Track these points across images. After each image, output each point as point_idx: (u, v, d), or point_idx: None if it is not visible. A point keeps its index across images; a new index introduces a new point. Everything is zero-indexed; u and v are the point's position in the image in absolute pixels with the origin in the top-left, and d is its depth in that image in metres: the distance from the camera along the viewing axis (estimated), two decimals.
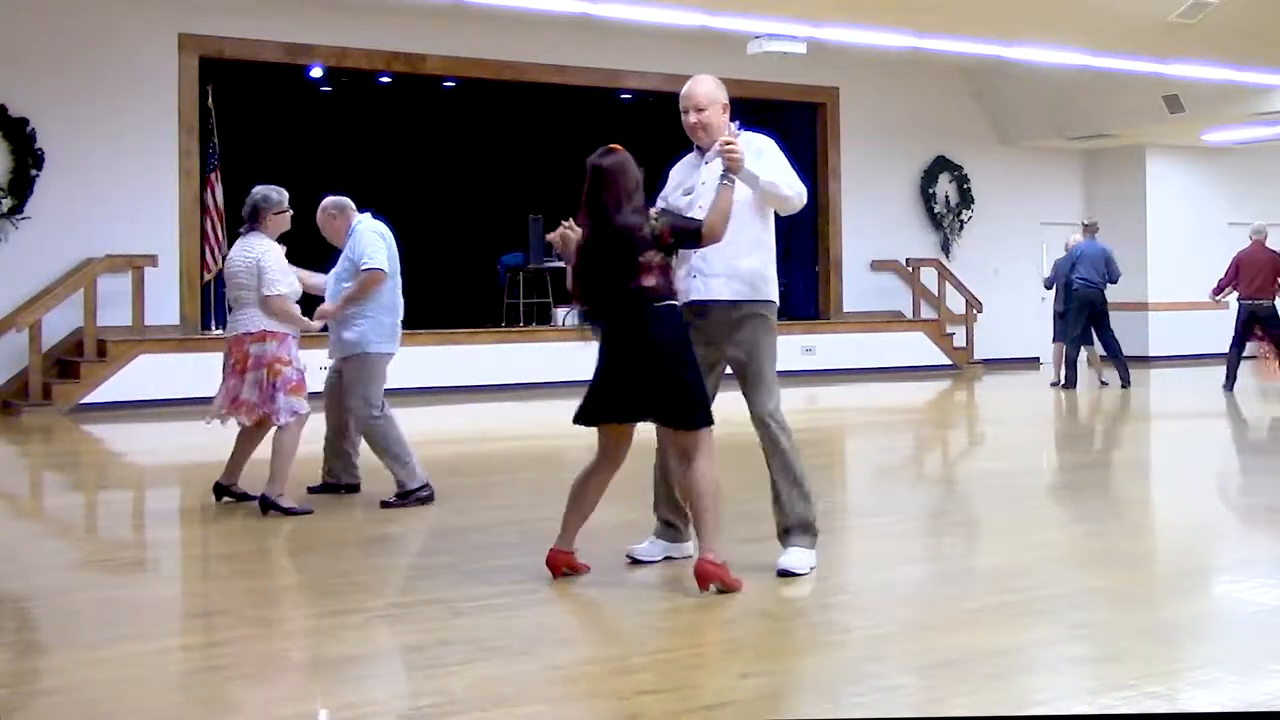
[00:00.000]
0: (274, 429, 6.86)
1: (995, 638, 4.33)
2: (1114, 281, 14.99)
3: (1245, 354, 14.55)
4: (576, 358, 16.24)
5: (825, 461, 9.39)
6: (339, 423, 7.31)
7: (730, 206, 4.97)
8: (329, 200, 7.31)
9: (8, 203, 13.19)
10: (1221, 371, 14.42)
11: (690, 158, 5.43)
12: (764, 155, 5.18)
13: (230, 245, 14.53)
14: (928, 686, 3.84)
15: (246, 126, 15.01)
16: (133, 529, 7.28)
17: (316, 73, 15.40)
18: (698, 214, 5.11)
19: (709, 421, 4.96)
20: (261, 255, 6.83)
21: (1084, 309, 14.78)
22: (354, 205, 7.30)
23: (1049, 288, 15.59)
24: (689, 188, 5.30)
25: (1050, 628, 4.48)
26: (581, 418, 5.13)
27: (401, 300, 7.28)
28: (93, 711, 3.70)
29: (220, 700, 3.78)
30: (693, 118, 5.28)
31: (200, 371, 13.09)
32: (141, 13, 13.84)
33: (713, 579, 4.79)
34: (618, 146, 5.10)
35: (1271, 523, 6.91)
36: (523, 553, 5.81)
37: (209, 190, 14.14)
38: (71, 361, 13.18)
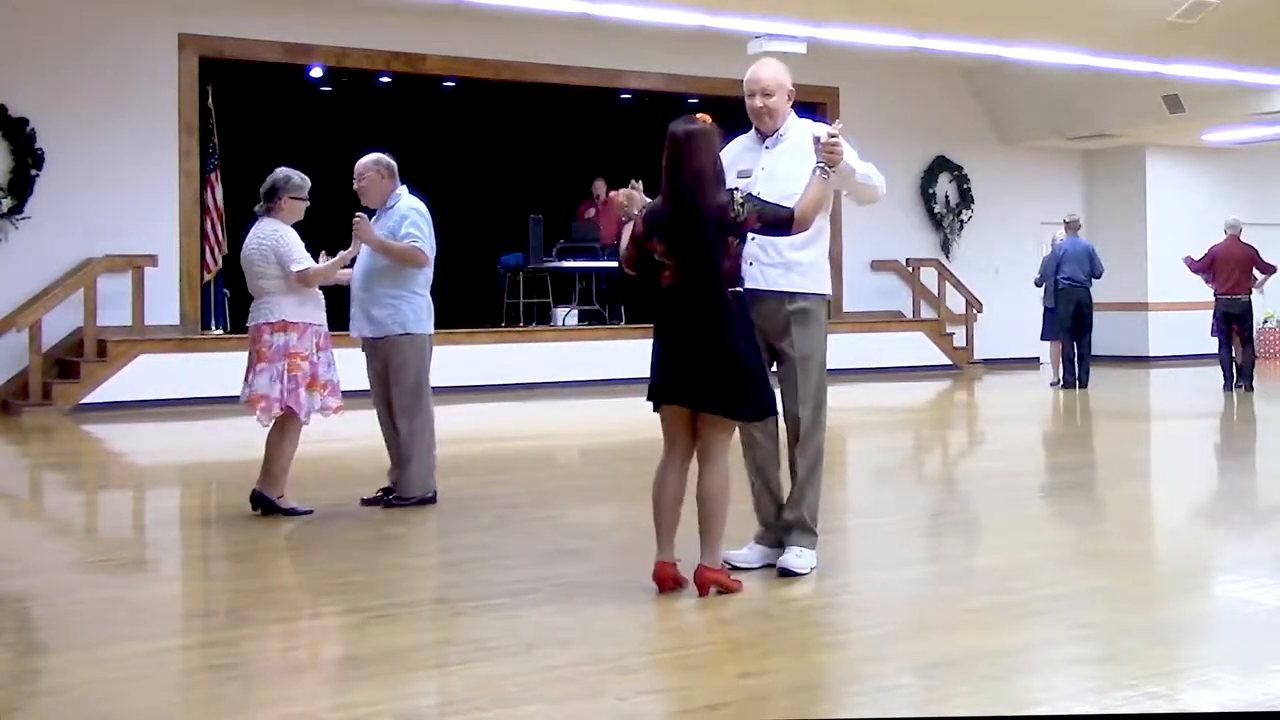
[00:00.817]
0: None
1: (995, 638, 4.33)
2: (1097, 277, 15.03)
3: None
4: (576, 358, 16.27)
5: (825, 461, 9.37)
6: (390, 418, 6.92)
7: (823, 195, 4.93)
8: (382, 159, 6.98)
9: (8, 203, 13.19)
10: (1218, 372, 14.46)
11: (747, 140, 5.33)
12: (847, 150, 5.16)
13: (229, 245, 14.56)
14: (928, 686, 3.84)
15: (246, 126, 15.01)
16: (133, 529, 7.28)
17: (316, 73, 15.40)
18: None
19: (765, 415, 4.89)
20: (276, 239, 6.63)
21: (1070, 307, 14.85)
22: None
23: (1040, 286, 15.60)
24: (745, 170, 5.20)
25: (1050, 628, 4.47)
26: (651, 397, 4.96)
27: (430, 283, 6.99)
28: (93, 711, 3.70)
29: (220, 700, 3.78)
30: (759, 102, 5.21)
31: (200, 371, 13.12)
32: (141, 13, 13.84)
33: (713, 584, 4.76)
34: (706, 116, 4.87)
35: (1271, 523, 6.91)
36: (523, 553, 5.81)
37: (209, 190, 14.14)
38: (71, 361, 13.17)
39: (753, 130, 5.30)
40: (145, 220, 13.79)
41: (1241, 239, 14.56)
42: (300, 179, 6.85)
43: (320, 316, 6.77)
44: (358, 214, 6.73)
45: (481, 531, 6.38)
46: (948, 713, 3.58)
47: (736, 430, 4.99)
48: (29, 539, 6.84)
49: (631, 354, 15.66)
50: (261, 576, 5.51)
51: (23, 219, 13.26)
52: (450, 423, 12.61)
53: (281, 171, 6.87)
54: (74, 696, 3.82)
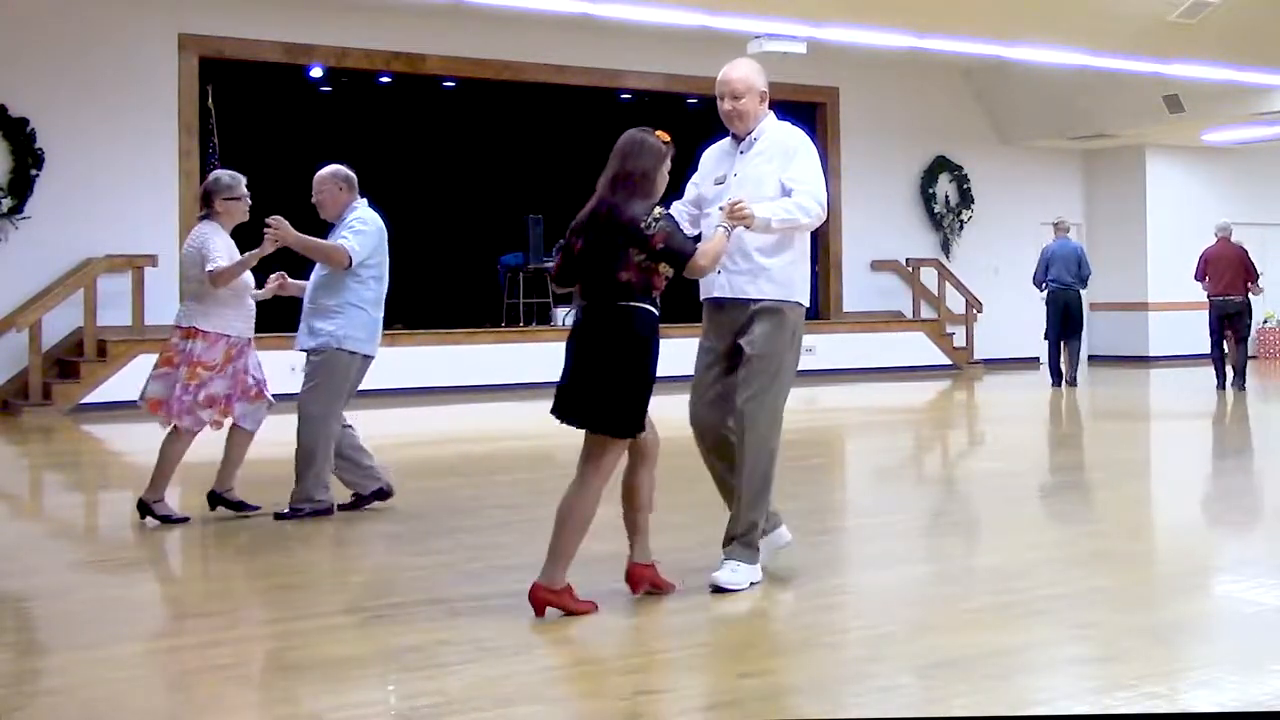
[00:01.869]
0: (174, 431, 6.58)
1: (995, 638, 4.32)
2: (1084, 280, 15.06)
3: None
4: None
5: (825, 461, 9.38)
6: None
7: (722, 252, 4.76)
8: (339, 170, 6.82)
9: (8, 203, 13.19)
10: (1217, 374, 14.48)
11: (725, 144, 5.20)
12: (795, 157, 5.00)
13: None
14: (928, 686, 3.84)
15: (246, 126, 15.01)
16: (133, 529, 7.27)
17: (316, 73, 15.41)
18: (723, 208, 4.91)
19: (626, 434, 4.66)
20: (203, 240, 6.46)
21: (1058, 308, 14.90)
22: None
23: (1038, 285, 15.63)
24: (720, 177, 5.11)
25: (1050, 628, 4.47)
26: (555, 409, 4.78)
27: (382, 304, 6.78)
28: (93, 711, 3.70)
29: (220, 700, 3.78)
30: (728, 105, 5.05)
31: None
32: (141, 13, 13.84)
33: (546, 604, 4.55)
34: (666, 135, 4.76)
35: (1271, 523, 6.91)
36: (523, 553, 5.80)
37: None
38: (71, 361, 13.18)
39: (730, 135, 5.17)
40: (145, 220, 13.79)
41: (1232, 240, 14.58)
42: (231, 179, 6.66)
43: (239, 328, 6.58)
44: (274, 216, 6.51)
45: (481, 531, 6.38)
46: (948, 713, 3.57)
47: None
48: (29, 539, 6.84)
49: None
50: (261, 576, 5.51)
51: (23, 219, 13.27)
52: (450, 423, 12.64)
53: (213, 174, 6.77)
54: (74, 696, 3.82)
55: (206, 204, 6.64)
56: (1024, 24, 14.19)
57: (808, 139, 5.12)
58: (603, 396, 4.60)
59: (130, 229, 13.64)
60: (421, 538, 6.30)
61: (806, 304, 5.14)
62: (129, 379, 12.91)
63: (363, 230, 6.65)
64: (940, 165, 19.08)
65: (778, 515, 5.23)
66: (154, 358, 13.60)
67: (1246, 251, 14.56)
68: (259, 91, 15.44)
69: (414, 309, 14.64)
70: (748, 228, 4.80)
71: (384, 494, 6.88)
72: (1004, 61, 16.55)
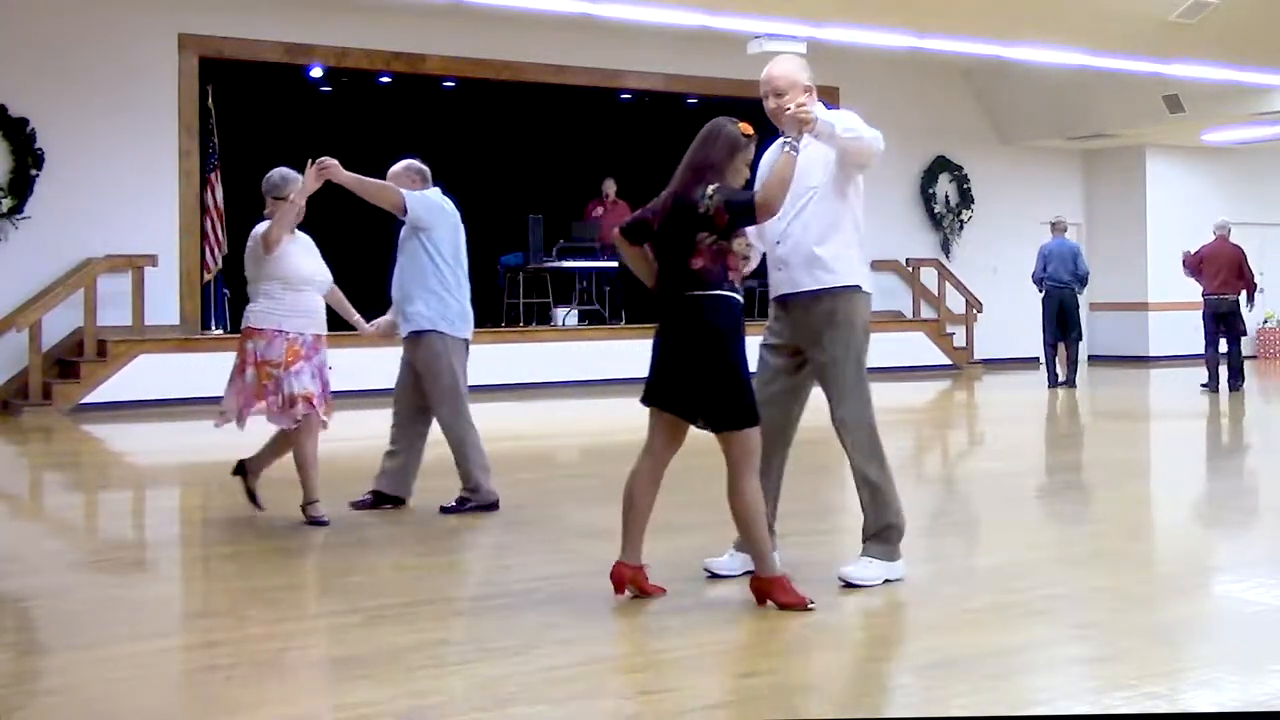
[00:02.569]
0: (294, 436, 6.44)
1: (995, 638, 4.32)
2: (1081, 280, 15.05)
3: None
4: (576, 358, 16.25)
5: (825, 462, 9.37)
6: (408, 419, 6.86)
7: (790, 174, 4.62)
8: (416, 164, 6.96)
9: (8, 203, 13.19)
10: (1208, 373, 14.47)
11: (779, 142, 5.09)
12: (843, 116, 4.97)
13: (229, 245, 14.56)
14: (928, 686, 3.84)
15: (246, 126, 15.01)
16: (133, 529, 7.28)
17: (316, 73, 15.40)
18: (809, 206, 4.93)
19: (746, 424, 4.63)
20: (254, 231, 6.43)
21: (1054, 307, 14.93)
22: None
23: (1037, 283, 15.65)
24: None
25: (1050, 628, 4.47)
26: (643, 397, 4.79)
27: (466, 286, 6.91)
28: (93, 711, 3.70)
29: (220, 700, 3.78)
30: (771, 103, 4.99)
31: (200, 371, 13.09)
32: (141, 13, 13.84)
33: (765, 596, 4.63)
34: (747, 128, 4.71)
35: (1271, 523, 6.91)
36: (523, 553, 5.81)
37: (209, 190, 14.14)
38: (71, 361, 13.17)
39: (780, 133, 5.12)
40: (145, 220, 13.79)
41: (1230, 239, 14.58)
42: (280, 178, 6.61)
43: (296, 324, 6.42)
44: (324, 157, 6.50)
45: (482, 531, 6.38)
46: (948, 713, 3.58)
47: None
48: (29, 539, 6.84)
49: (631, 354, 15.64)
50: (261, 576, 5.51)
51: (23, 219, 13.26)
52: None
53: (268, 173, 6.68)
54: (74, 696, 3.82)
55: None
56: (1024, 24, 14.19)
57: (850, 112, 5.10)
58: (719, 392, 4.60)
59: (130, 229, 13.64)
60: (422, 538, 6.30)
61: (868, 288, 5.07)
62: (129, 379, 12.94)
63: (432, 203, 6.78)
64: (940, 165, 19.08)
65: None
66: (154, 358, 13.68)
67: (1244, 252, 14.55)
68: (259, 91, 15.43)
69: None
70: (804, 131, 4.71)
71: (398, 501, 6.89)
72: (1004, 61, 16.54)
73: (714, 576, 5.07)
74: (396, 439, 6.90)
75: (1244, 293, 14.45)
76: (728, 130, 4.68)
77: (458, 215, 6.94)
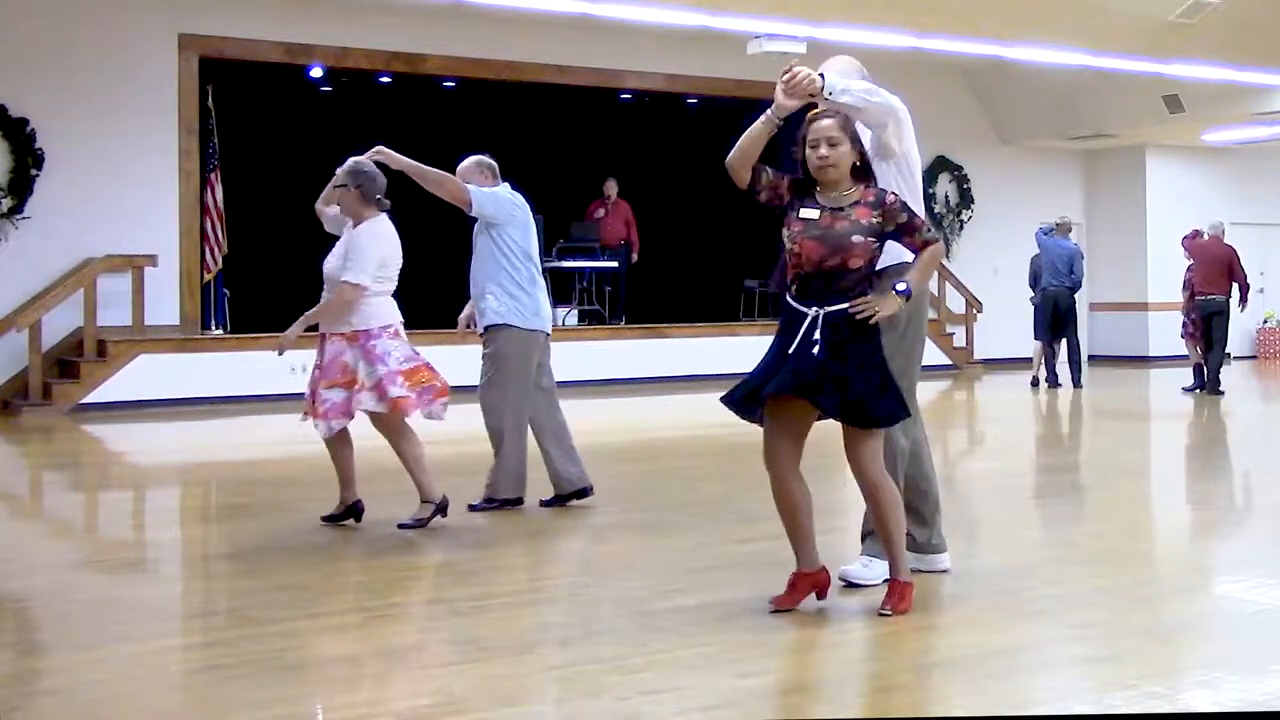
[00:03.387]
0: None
1: (995, 638, 4.32)
2: (1075, 283, 15.01)
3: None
4: (577, 357, 16.27)
5: (825, 462, 9.36)
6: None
7: (755, 141, 4.52)
8: (486, 160, 7.09)
9: (8, 203, 13.19)
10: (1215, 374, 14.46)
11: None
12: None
13: (229, 245, 14.55)
14: (928, 686, 3.84)
15: (246, 126, 15.01)
16: (133, 529, 7.28)
17: (316, 73, 15.40)
18: None
19: (898, 418, 4.61)
20: (353, 237, 6.36)
21: (1049, 307, 14.94)
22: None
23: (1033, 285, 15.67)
24: None
25: (1050, 628, 4.47)
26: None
27: (540, 281, 6.89)
28: (93, 711, 3.70)
29: (220, 700, 3.78)
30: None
31: (200, 372, 13.13)
32: (141, 13, 13.84)
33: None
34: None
35: (1271, 523, 6.91)
36: (524, 553, 5.81)
37: (209, 190, 14.15)
38: (71, 361, 13.17)
39: None
40: (145, 220, 13.79)
41: (1223, 240, 14.57)
42: (346, 171, 6.54)
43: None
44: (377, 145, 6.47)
45: (482, 532, 6.37)
46: (948, 713, 3.58)
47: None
48: (29, 539, 6.84)
49: (632, 354, 15.66)
50: (261, 576, 5.51)
51: (23, 219, 13.26)
52: (450, 423, 12.59)
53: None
54: (74, 696, 3.82)
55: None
56: (1024, 24, 14.19)
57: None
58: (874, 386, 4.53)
59: (130, 229, 13.64)
60: (423, 538, 6.29)
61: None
62: (129, 379, 12.94)
63: (493, 195, 6.83)
64: (940, 165, 19.08)
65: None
66: (154, 358, 13.67)
67: (1235, 253, 14.49)
68: (259, 91, 15.43)
69: (415, 309, 14.61)
70: (813, 96, 4.53)
71: (585, 492, 6.87)
72: (1004, 61, 16.54)
73: (850, 586, 4.97)
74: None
75: (1237, 294, 14.37)
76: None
77: (528, 211, 6.97)
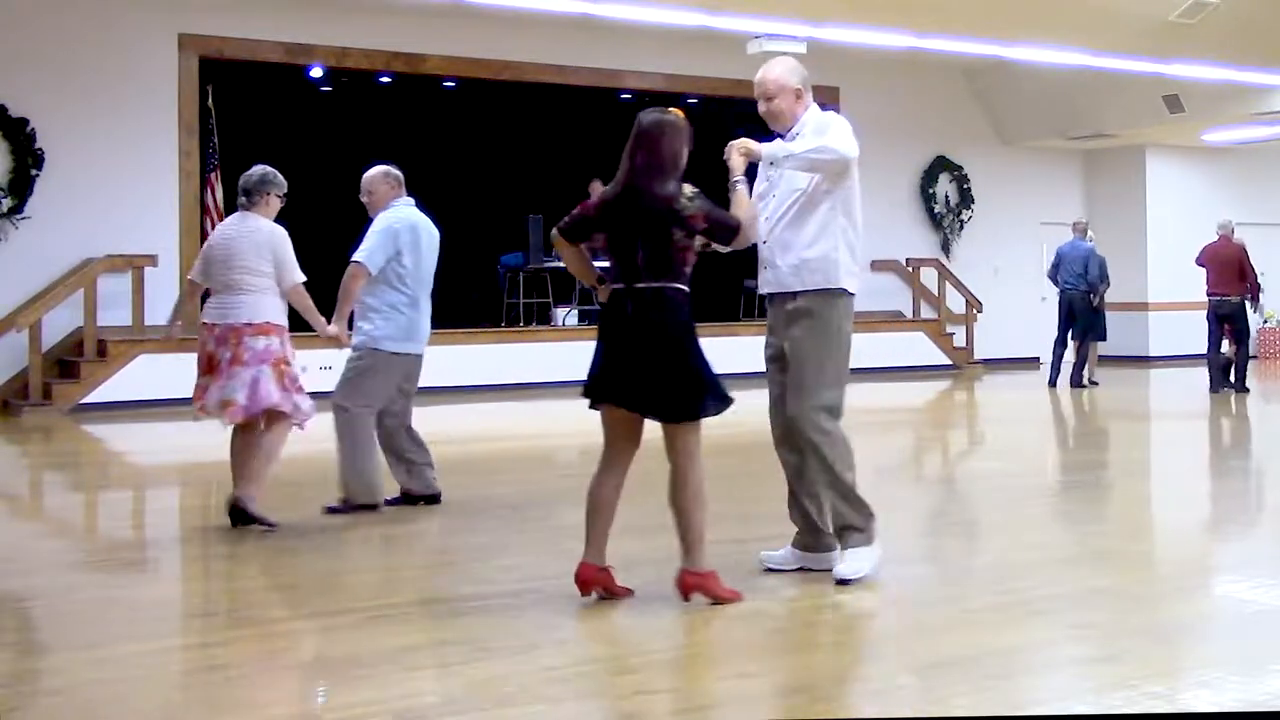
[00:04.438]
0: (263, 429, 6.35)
1: (995, 638, 4.33)
2: (1091, 285, 15.02)
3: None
4: (576, 358, 16.20)
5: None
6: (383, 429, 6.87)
7: (747, 206, 4.80)
8: (394, 171, 6.95)
9: (8, 203, 13.19)
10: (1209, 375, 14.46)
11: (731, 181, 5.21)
12: (828, 131, 5.03)
13: None
14: (928, 686, 3.84)
15: (246, 126, 15.00)
16: (133, 529, 7.28)
17: (316, 73, 15.40)
18: (771, 204, 5.03)
19: (703, 414, 4.66)
20: (280, 238, 6.38)
21: (1064, 309, 15.01)
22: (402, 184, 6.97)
23: (1052, 280, 15.69)
24: (768, 175, 5.16)
25: (1050, 628, 4.47)
26: (587, 393, 4.85)
27: (425, 304, 6.90)
28: (93, 711, 3.70)
29: (220, 700, 3.78)
30: (763, 106, 5.11)
31: None
32: (141, 13, 13.84)
33: (693, 590, 4.65)
34: (679, 111, 4.80)
35: (1271, 523, 6.91)
36: (523, 553, 5.81)
37: (209, 190, 14.14)
38: (71, 361, 13.18)
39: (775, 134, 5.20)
40: (145, 220, 13.79)
41: (1233, 239, 14.56)
42: (282, 178, 6.62)
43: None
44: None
45: (481, 531, 6.38)
46: (948, 713, 3.58)
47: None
48: (29, 539, 6.84)
49: None
50: (261, 576, 5.51)
51: (23, 219, 13.27)
52: (450, 423, 12.62)
53: (266, 169, 6.61)
54: (74, 696, 3.82)
55: (257, 195, 6.51)
56: (1024, 24, 14.19)
57: (839, 117, 5.15)
58: (683, 382, 4.63)
59: (130, 229, 13.64)
60: (422, 538, 6.30)
61: (852, 289, 5.12)
62: (129, 379, 12.94)
63: (374, 235, 6.75)
64: (940, 165, 19.08)
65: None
66: (154, 358, 13.68)
67: (1245, 252, 14.49)
68: (259, 91, 15.43)
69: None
70: (754, 160, 4.88)
71: (433, 499, 6.95)
72: (1004, 61, 16.54)
73: (769, 570, 5.12)
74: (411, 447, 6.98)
75: (1248, 294, 14.38)
76: (674, 120, 4.75)
77: (421, 233, 6.86)
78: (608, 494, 4.83)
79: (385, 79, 15.87)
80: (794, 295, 5.05)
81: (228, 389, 6.22)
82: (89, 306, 13.07)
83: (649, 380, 4.64)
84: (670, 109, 4.81)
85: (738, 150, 4.84)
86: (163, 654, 4.33)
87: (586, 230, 4.85)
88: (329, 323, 6.61)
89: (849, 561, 5.00)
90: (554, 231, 4.92)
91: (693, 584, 4.64)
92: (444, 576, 5.44)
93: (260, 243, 6.37)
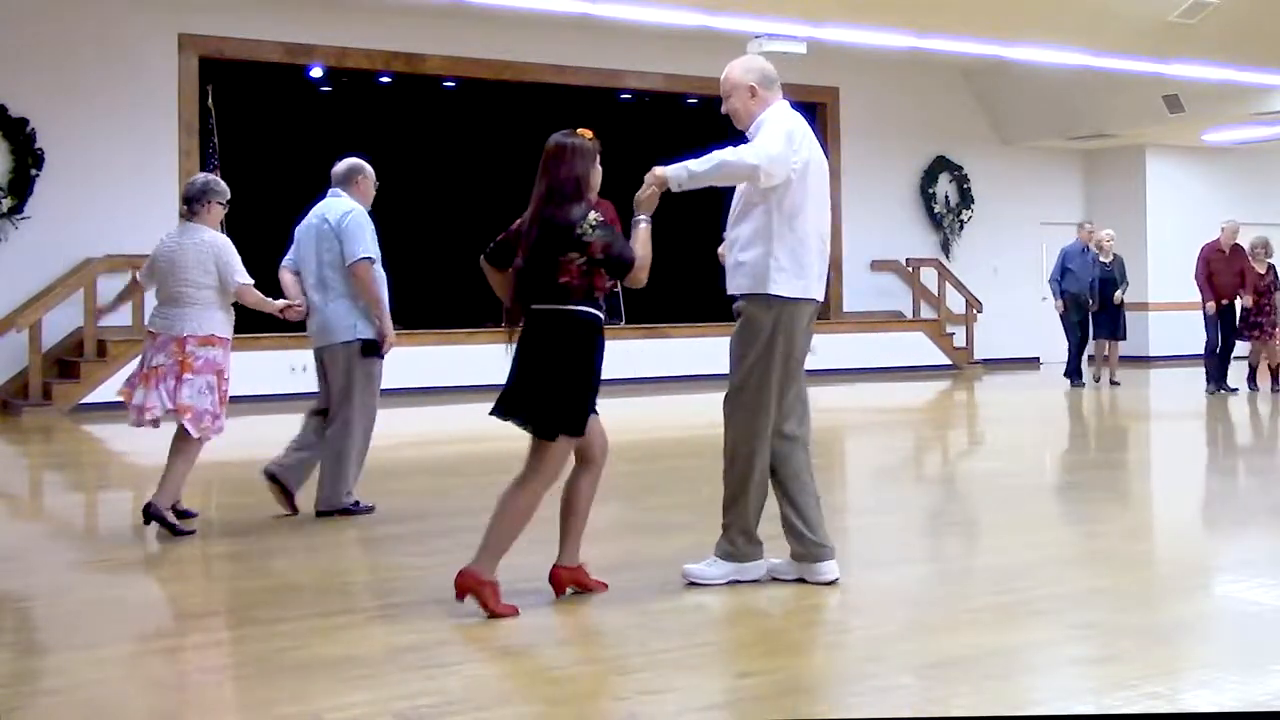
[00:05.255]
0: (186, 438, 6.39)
1: (995, 638, 4.33)
2: (1088, 285, 15.14)
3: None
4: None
5: (825, 462, 9.38)
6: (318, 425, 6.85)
7: (645, 246, 4.76)
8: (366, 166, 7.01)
9: (8, 203, 13.20)
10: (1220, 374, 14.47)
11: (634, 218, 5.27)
12: (758, 133, 4.98)
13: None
14: (928, 686, 3.84)
15: (246, 126, 15.01)
16: (133, 529, 7.27)
17: (316, 73, 15.41)
18: (733, 201, 5.04)
19: (566, 433, 4.69)
20: (221, 246, 6.47)
21: (1075, 310, 15.05)
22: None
23: (1053, 284, 15.73)
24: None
25: (1050, 628, 4.47)
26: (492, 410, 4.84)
27: (313, 298, 6.87)
28: (93, 711, 3.70)
29: (220, 700, 3.78)
30: (724, 107, 5.12)
31: None
32: (141, 13, 13.84)
33: (469, 592, 4.62)
34: (585, 132, 4.79)
35: (1271, 523, 6.90)
36: (522, 553, 5.80)
37: None
38: (71, 361, 13.18)
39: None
40: (145, 220, 13.77)
41: (1235, 240, 14.56)
42: (224, 185, 6.73)
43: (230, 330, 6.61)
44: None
45: (481, 531, 6.36)
46: (948, 713, 3.57)
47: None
48: (29, 539, 6.84)
49: (631, 354, 15.66)
50: (261, 576, 5.51)
51: (23, 219, 13.27)
52: (450, 423, 12.63)
53: (208, 177, 6.75)
54: (74, 696, 3.81)
55: (200, 204, 6.58)
56: (1024, 24, 14.19)
57: (782, 114, 5.02)
58: (543, 398, 4.66)
59: (130, 229, 13.62)
60: (421, 538, 6.30)
61: (789, 295, 4.92)
62: None
63: (363, 228, 6.85)
64: (940, 165, 19.08)
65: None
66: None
67: (1244, 252, 14.48)
68: (259, 91, 15.44)
69: (414, 308, 14.65)
70: (664, 188, 4.84)
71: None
72: (1004, 61, 16.54)
73: (774, 579, 5.06)
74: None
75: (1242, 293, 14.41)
76: (578, 144, 4.76)
77: (307, 227, 6.93)
78: (582, 496, 4.93)
79: (385, 79, 15.88)
80: (734, 300, 5.05)
81: (186, 395, 6.31)
82: (89, 306, 13.07)
83: (518, 389, 4.71)
84: (579, 130, 4.80)
85: (649, 182, 4.84)
86: (163, 654, 4.33)
87: (509, 254, 4.88)
88: (384, 331, 6.71)
89: (712, 567, 5.00)
90: (481, 257, 4.99)
91: (468, 586, 4.62)
92: (444, 576, 5.43)
93: (204, 255, 6.44)
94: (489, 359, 16.43)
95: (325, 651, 4.26)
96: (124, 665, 4.10)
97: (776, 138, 4.89)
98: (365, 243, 6.73)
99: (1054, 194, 20.13)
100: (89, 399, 12.78)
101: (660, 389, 14.87)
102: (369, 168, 7.04)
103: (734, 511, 5.02)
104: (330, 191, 6.98)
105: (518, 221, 4.89)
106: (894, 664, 4.04)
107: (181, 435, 6.42)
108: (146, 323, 6.63)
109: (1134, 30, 14.55)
